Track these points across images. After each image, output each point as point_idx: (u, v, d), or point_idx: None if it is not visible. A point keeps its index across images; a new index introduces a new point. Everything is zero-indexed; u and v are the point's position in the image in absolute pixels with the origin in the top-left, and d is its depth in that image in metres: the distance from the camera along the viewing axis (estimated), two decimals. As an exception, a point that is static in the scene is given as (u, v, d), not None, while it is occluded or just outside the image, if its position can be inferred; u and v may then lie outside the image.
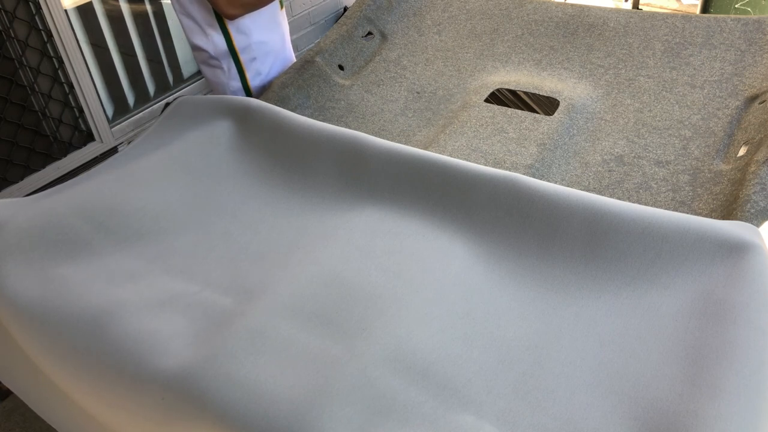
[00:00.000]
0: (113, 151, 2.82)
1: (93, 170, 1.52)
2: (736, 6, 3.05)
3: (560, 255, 1.16)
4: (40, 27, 2.45)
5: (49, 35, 2.48)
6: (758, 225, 1.21)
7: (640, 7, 3.84)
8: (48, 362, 1.13)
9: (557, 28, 1.98)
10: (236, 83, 1.89)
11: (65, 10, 2.51)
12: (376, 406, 0.91)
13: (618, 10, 1.98)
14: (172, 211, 1.37)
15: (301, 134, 1.48)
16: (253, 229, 1.34)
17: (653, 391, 0.92)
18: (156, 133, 1.62)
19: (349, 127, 1.76)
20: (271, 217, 1.37)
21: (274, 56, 1.95)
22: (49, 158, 2.61)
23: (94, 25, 2.78)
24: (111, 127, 2.82)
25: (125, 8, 2.89)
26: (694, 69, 1.72)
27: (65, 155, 2.66)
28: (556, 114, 1.66)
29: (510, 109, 1.71)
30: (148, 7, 2.99)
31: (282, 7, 1.96)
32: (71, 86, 2.61)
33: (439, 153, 1.56)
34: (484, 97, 1.77)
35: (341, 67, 1.99)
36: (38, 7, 2.41)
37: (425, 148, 1.62)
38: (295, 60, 2.07)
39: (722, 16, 1.85)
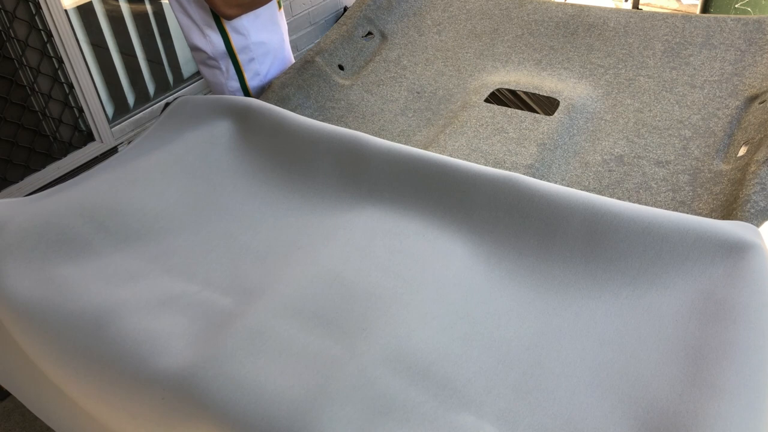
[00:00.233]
0: (113, 151, 2.82)
1: (93, 170, 1.52)
2: (736, 6, 3.05)
3: (560, 255, 1.16)
4: (40, 27, 2.45)
5: (49, 35, 2.48)
6: (758, 225, 1.21)
7: (640, 7, 3.84)
8: (48, 362, 1.13)
9: (557, 28, 1.98)
10: (234, 83, 1.89)
11: (65, 10, 2.51)
12: (376, 406, 0.91)
13: (618, 10, 1.98)
14: (172, 211, 1.37)
15: (301, 134, 1.48)
16: (253, 229, 1.34)
17: (653, 391, 0.92)
18: (156, 133, 1.62)
19: (349, 127, 1.76)
20: (271, 217, 1.37)
21: (272, 57, 1.95)
22: (49, 158, 2.61)
23: (94, 25, 2.78)
24: (111, 127, 2.82)
25: (125, 8, 2.89)
26: (694, 69, 1.72)
27: (65, 155, 2.66)
28: (556, 114, 1.66)
29: (510, 109, 1.71)
30: (148, 7, 2.99)
31: (280, 8, 1.96)
32: (71, 86, 2.61)
33: (439, 153, 1.56)
34: (484, 97, 1.77)
35: (341, 67, 1.99)
36: (38, 7, 2.41)
37: (425, 148, 1.62)
38: (293, 60, 2.07)
39: (722, 16, 1.85)
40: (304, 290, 1.11)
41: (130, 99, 3.00)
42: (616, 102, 1.69)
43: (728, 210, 1.28)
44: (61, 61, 2.54)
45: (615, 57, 1.83)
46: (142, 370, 1.00)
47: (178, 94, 3.13)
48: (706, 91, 1.65)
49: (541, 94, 1.76)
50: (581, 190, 1.34)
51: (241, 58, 1.86)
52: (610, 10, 1.99)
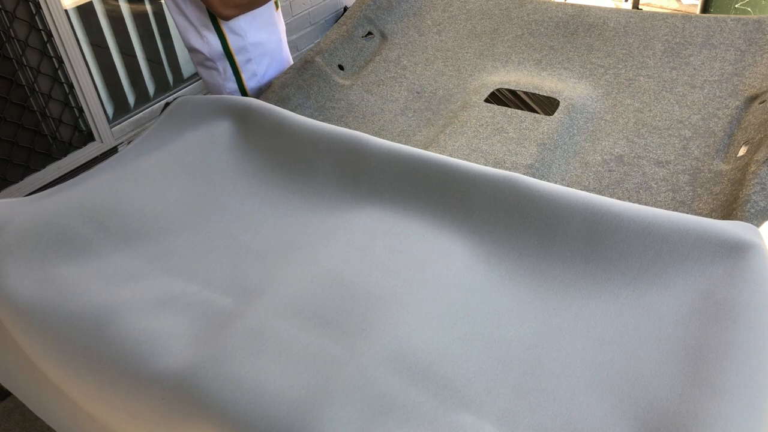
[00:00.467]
0: (113, 151, 2.82)
1: (93, 170, 1.52)
2: (736, 6, 3.05)
3: (560, 255, 1.16)
4: (40, 27, 2.45)
5: (49, 35, 2.48)
6: (758, 225, 1.21)
7: (640, 7, 3.84)
8: (48, 362, 1.13)
9: (557, 28, 1.98)
10: (232, 84, 1.89)
11: (65, 10, 2.51)
12: (376, 406, 0.91)
13: (618, 10, 1.98)
14: (172, 211, 1.37)
15: (301, 134, 1.48)
16: (253, 229, 1.34)
17: (653, 391, 0.92)
18: (156, 133, 1.62)
19: (349, 127, 1.76)
20: (271, 217, 1.37)
21: (270, 57, 1.94)
22: (49, 158, 2.61)
23: (94, 25, 2.78)
24: (111, 127, 2.82)
25: (125, 8, 2.89)
26: (694, 69, 1.72)
27: (65, 155, 2.67)
28: (556, 114, 1.66)
29: (510, 109, 1.71)
30: (148, 7, 2.99)
31: (278, 8, 1.96)
32: (71, 86, 2.61)
33: (439, 153, 1.56)
34: (484, 97, 1.77)
35: (341, 67, 1.99)
36: (38, 7, 2.41)
37: (425, 148, 1.62)
38: (291, 61, 2.07)
39: (722, 16, 1.85)
40: (304, 290, 1.11)
41: (130, 99, 3.00)
42: (616, 102, 1.69)
43: (728, 210, 1.28)
44: (61, 61, 2.54)
45: (615, 57, 1.83)
46: (142, 370, 1.00)
47: (178, 94, 3.13)
48: (706, 91, 1.65)
49: (541, 94, 1.76)
50: (581, 190, 1.34)
51: (238, 59, 1.85)
52: (610, 10, 1.99)
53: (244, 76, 1.89)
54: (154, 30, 3.04)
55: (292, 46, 3.46)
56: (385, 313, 1.05)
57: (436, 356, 1.00)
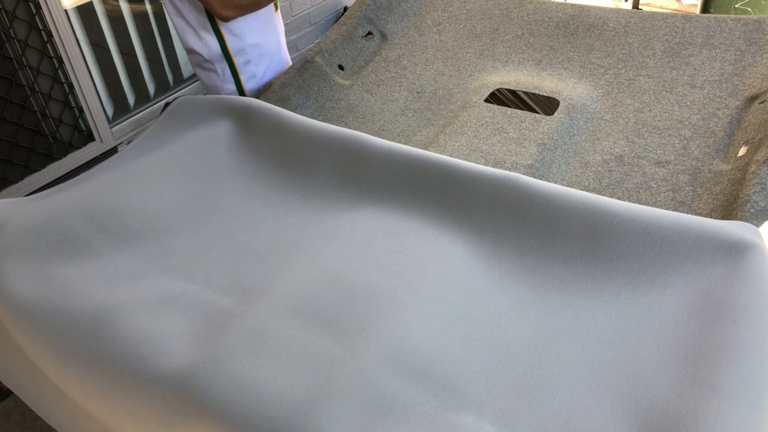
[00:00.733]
0: (113, 151, 2.82)
1: (93, 170, 1.52)
2: (736, 6, 3.05)
3: (560, 255, 1.16)
4: (40, 27, 2.45)
5: (49, 35, 2.48)
6: (758, 225, 1.21)
7: (640, 7, 3.84)
8: (48, 362, 1.13)
9: (557, 28, 1.98)
10: (230, 86, 1.89)
11: (65, 10, 2.51)
12: (376, 406, 0.91)
13: (618, 10, 1.98)
14: (172, 211, 1.37)
15: (301, 134, 1.48)
16: (253, 229, 1.34)
17: (653, 391, 0.92)
18: (156, 133, 1.62)
19: (349, 127, 1.76)
20: (271, 217, 1.37)
21: (268, 59, 1.94)
22: (49, 158, 2.61)
23: (94, 25, 2.78)
24: (111, 127, 2.82)
25: (125, 8, 2.89)
26: (694, 69, 1.72)
27: (65, 155, 2.66)
28: (556, 114, 1.66)
29: (510, 109, 1.71)
30: (148, 7, 2.99)
31: (277, 9, 1.96)
32: (71, 86, 2.61)
33: (439, 153, 1.56)
34: (484, 97, 1.77)
35: (341, 67, 1.99)
36: (38, 7, 2.41)
37: (425, 148, 1.62)
38: (290, 62, 2.07)
39: (722, 16, 1.85)
40: (304, 290, 1.11)
41: (130, 99, 3.00)
42: (616, 102, 1.69)
43: (728, 210, 1.28)
44: (61, 61, 2.54)
45: (615, 57, 1.83)
46: (142, 370, 1.00)
47: (178, 94, 3.13)
48: (706, 91, 1.65)
49: (541, 94, 1.76)
50: (581, 190, 1.34)
51: (237, 60, 1.85)
52: (610, 10, 1.99)
53: (242, 78, 1.89)
54: (154, 30, 3.04)
55: (292, 46, 3.47)
56: (385, 313, 1.05)
57: (436, 356, 1.00)
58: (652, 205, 1.34)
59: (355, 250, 1.19)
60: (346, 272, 1.14)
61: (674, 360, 0.96)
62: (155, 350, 1.02)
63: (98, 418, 1.15)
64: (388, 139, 1.55)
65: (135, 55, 2.99)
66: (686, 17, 1.89)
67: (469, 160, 1.54)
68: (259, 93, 1.93)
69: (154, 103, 3.05)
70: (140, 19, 2.96)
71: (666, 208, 1.35)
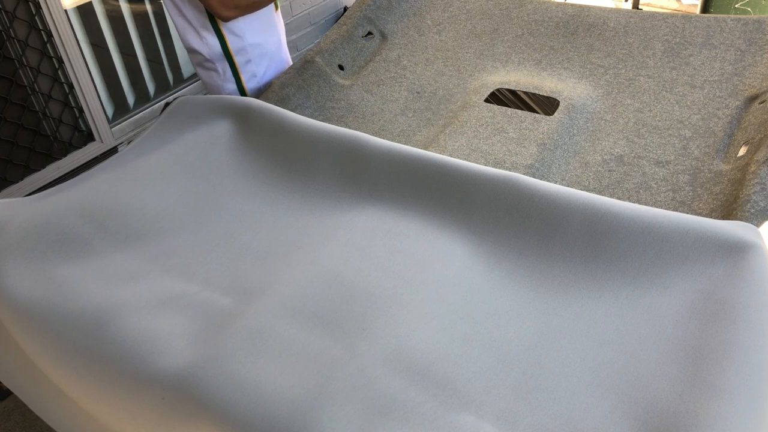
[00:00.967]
0: (113, 151, 2.82)
1: (93, 170, 1.52)
2: (736, 6, 3.05)
3: (560, 255, 1.16)
4: (40, 27, 2.45)
5: (49, 35, 2.48)
6: (758, 225, 1.21)
7: (640, 7, 3.84)
8: (48, 362, 1.13)
9: (557, 28, 1.98)
10: (231, 85, 1.89)
11: (65, 10, 2.51)
12: (376, 406, 0.91)
13: (618, 10, 1.98)
14: (172, 211, 1.37)
15: (301, 134, 1.48)
16: (253, 229, 1.34)
17: (653, 391, 0.92)
18: (156, 133, 1.62)
19: (349, 127, 1.76)
20: (271, 217, 1.37)
21: (269, 58, 1.94)
22: (49, 158, 2.61)
23: (94, 25, 2.78)
24: (111, 127, 2.82)
25: (125, 8, 2.89)
26: (694, 69, 1.72)
27: (65, 155, 2.67)
28: (556, 114, 1.66)
29: (510, 109, 1.71)
30: (148, 7, 2.99)
31: (277, 9, 1.96)
32: (71, 86, 2.61)
33: (439, 153, 1.56)
34: (484, 97, 1.77)
35: (341, 67, 1.99)
36: (38, 7, 2.41)
37: (425, 148, 1.62)
38: (290, 62, 2.07)
39: (722, 16, 1.85)
40: (304, 290, 1.11)
41: (130, 99, 3.00)
42: (616, 102, 1.69)
43: (728, 210, 1.28)
44: (61, 61, 2.54)
45: (615, 57, 1.83)
46: (142, 370, 1.00)
47: (178, 94, 3.13)
48: (706, 91, 1.65)
49: (541, 94, 1.76)
50: (581, 190, 1.34)
51: (237, 59, 1.85)
52: (610, 10, 1.99)
53: (243, 77, 1.89)
54: (154, 30, 3.04)
55: (292, 46, 3.47)
56: (385, 313, 1.05)
57: (436, 356, 1.00)
58: (652, 205, 1.34)
59: (355, 250, 1.19)
60: (346, 272, 1.14)
61: (674, 360, 0.96)
62: (155, 350, 1.02)
63: (98, 418, 1.15)
64: (388, 139, 1.55)
65: (135, 55, 2.99)
66: (686, 17, 1.89)
67: (469, 160, 1.54)
68: (259, 92, 1.93)
69: (154, 103, 3.05)
70: (140, 19, 2.96)
71: (666, 208, 1.35)
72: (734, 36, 1.77)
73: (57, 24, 2.47)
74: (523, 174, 1.42)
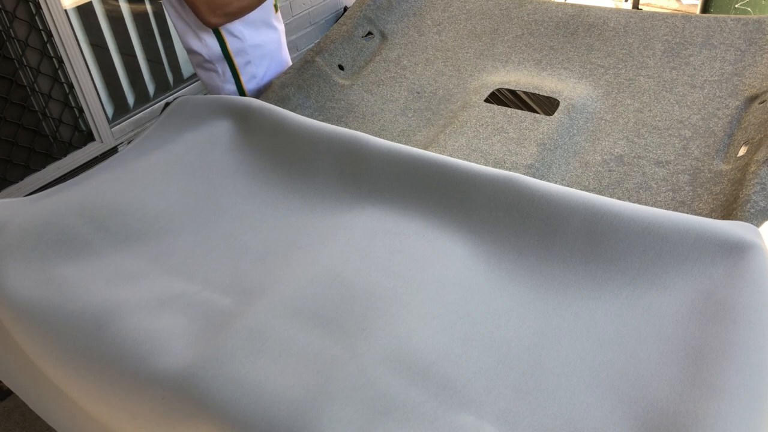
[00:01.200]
0: (113, 151, 2.82)
1: (93, 170, 1.52)
2: (736, 6, 3.05)
3: (560, 255, 1.16)
4: (40, 27, 2.45)
5: (49, 35, 2.48)
6: (758, 225, 1.21)
7: (640, 7, 3.84)
8: (48, 362, 1.13)
9: (557, 28, 1.98)
10: (231, 86, 1.89)
11: (65, 10, 2.51)
12: (376, 406, 0.91)
13: (618, 10, 1.98)
14: (172, 211, 1.37)
15: (301, 134, 1.48)
16: (253, 229, 1.34)
17: (653, 391, 0.92)
18: (156, 133, 1.62)
19: (349, 127, 1.76)
20: (271, 217, 1.37)
21: (269, 59, 1.94)
22: (49, 158, 2.62)
23: (94, 25, 2.78)
24: (111, 127, 2.82)
25: (125, 8, 2.89)
26: (694, 69, 1.72)
27: (65, 155, 2.67)
28: (556, 114, 1.66)
29: (510, 109, 1.71)
30: (148, 7, 2.99)
31: (277, 11, 1.96)
32: (71, 86, 2.61)
33: (439, 153, 1.56)
34: (484, 97, 1.77)
35: (341, 67, 1.99)
36: (38, 7, 2.41)
37: (425, 148, 1.62)
38: (290, 62, 2.07)
39: (722, 16, 1.85)
40: (304, 290, 1.11)
41: (130, 99, 3.00)
42: (616, 102, 1.69)
43: (728, 210, 1.28)
44: (61, 61, 2.54)
45: (615, 57, 1.83)
46: (142, 370, 1.00)
47: (178, 94, 3.13)
48: (706, 91, 1.65)
49: (541, 94, 1.76)
50: (581, 190, 1.34)
51: (237, 61, 1.85)
52: (610, 10, 1.99)
53: (243, 78, 1.89)
54: (154, 30, 3.04)
55: (292, 46, 3.47)
56: (385, 313, 1.05)
57: (436, 356, 1.00)
58: (652, 205, 1.34)
59: (355, 250, 1.19)
60: (346, 272, 1.14)
61: (674, 360, 0.96)
62: (155, 350, 1.02)
63: (98, 418, 1.15)
64: (388, 139, 1.55)
65: (135, 55, 2.99)
66: (686, 17, 1.89)
67: (469, 160, 1.53)
68: (259, 93, 1.93)
69: (154, 103, 3.05)
70: (140, 19, 2.96)
71: (666, 208, 1.35)
72: (734, 36, 1.77)
73: (57, 24, 2.47)
74: (523, 174, 1.42)
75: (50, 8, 2.43)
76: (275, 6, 1.94)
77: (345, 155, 1.41)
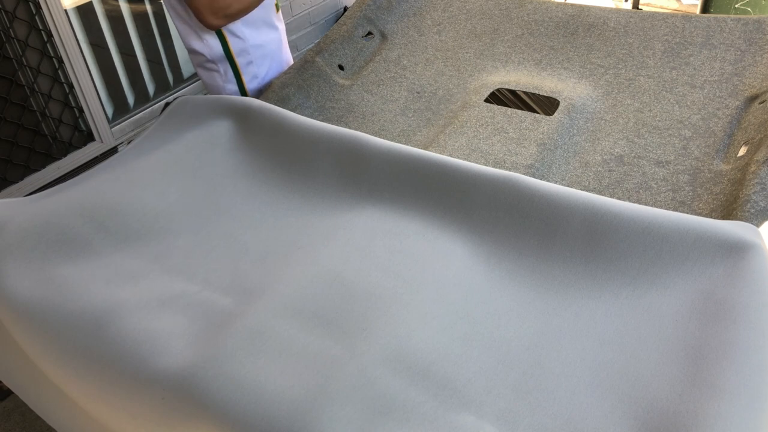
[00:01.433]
0: (113, 151, 2.82)
1: (93, 170, 1.52)
2: (736, 6, 3.05)
3: (560, 255, 1.16)
4: (40, 27, 2.45)
5: (49, 35, 2.48)
6: (758, 225, 1.21)
7: (640, 7, 3.84)
8: (48, 362, 1.13)
9: (557, 28, 1.98)
10: (232, 86, 1.89)
11: (65, 10, 2.51)
12: (376, 406, 0.91)
13: (618, 10, 1.98)
14: (172, 211, 1.37)
15: (301, 134, 1.48)
16: (253, 229, 1.34)
17: (653, 391, 0.92)
18: (156, 133, 1.62)
19: (349, 127, 1.76)
20: (271, 217, 1.37)
21: (270, 59, 1.94)
22: (49, 158, 2.62)
23: (94, 25, 2.78)
24: (111, 127, 2.82)
25: (125, 8, 2.89)
26: (694, 69, 1.72)
27: (65, 155, 2.67)
28: (556, 114, 1.66)
29: (510, 109, 1.71)
30: (148, 7, 2.99)
31: (278, 10, 1.96)
32: (71, 86, 2.61)
33: (439, 153, 1.56)
34: (484, 97, 1.77)
35: (341, 67, 1.99)
36: (38, 7, 2.41)
37: (425, 148, 1.62)
38: (292, 62, 2.07)
39: (722, 16, 1.85)
40: (304, 290, 1.11)
41: (130, 99, 3.00)
42: (616, 102, 1.69)
43: (728, 210, 1.28)
44: (61, 61, 2.54)
45: (615, 57, 1.83)
46: (142, 370, 1.00)
47: (178, 94, 3.13)
48: (706, 91, 1.65)
49: (541, 94, 1.76)
50: (581, 190, 1.34)
51: (239, 61, 1.85)
52: (610, 10, 1.99)
53: (244, 78, 1.89)
54: (154, 30, 3.04)
55: (292, 46, 3.46)
56: (385, 313, 1.05)
57: (436, 356, 1.00)
58: (652, 205, 1.34)
59: (355, 250, 1.19)
60: (346, 272, 1.14)
61: (674, 360, 0.96)
62: (155, 350, 1.02)
63: (98, 418, 1.15)
64: (388, 139, 1.55)
65: (135, 55, 2.99)
66: (686, 17, 1.89)
67: (469, 160, 1.54)
68: (261, 93, 1.93)
69: (154, 103, 3.06)
70: (140, 19, 2.96)
71: (666, 208, 1.35)
72: (734, 36, 1.77)
73: (57, 24, 2.48)
74: (523, 174, 1.42)
75: (50, 8, 2.43)
76: (276, 5, 1.94)
77: (345, 155, 1.41)
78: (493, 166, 1.50)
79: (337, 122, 1.80)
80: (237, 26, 1.80)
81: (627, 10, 1.98)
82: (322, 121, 1.74)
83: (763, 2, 2.98)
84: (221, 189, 1.45)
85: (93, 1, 2.74)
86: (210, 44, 1.80)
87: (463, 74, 1.90)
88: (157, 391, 0.98)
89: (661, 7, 4.07)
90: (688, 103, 1.63)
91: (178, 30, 1.82)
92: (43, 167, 2.59)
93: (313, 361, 0.97)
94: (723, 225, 1.10)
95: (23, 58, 2.43)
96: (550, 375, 0.98)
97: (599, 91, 1.74)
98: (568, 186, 1.39)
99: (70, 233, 1.27)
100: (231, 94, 1.90)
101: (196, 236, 1.33)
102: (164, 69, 3.13)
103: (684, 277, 1.07)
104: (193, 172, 1.47)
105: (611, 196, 1.40)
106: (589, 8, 2.01)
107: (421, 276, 1.13)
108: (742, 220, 1.21)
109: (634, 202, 1.34)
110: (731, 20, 1.82)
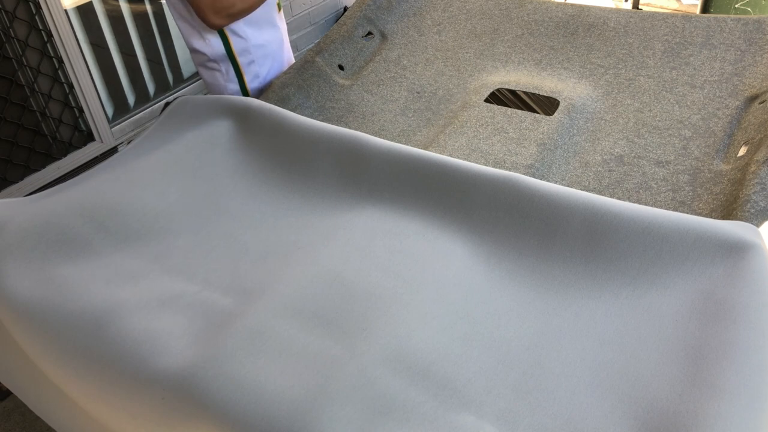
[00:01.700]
0: (113, 151, 2.82)
1: (93, 170, 1.52)
2: (736, 6, 3.05)
3: (560, 255, 1.16)
4: (40, 27, 2.45)
5: (49, 35, 2.48)
6: (758, 225, 1.21)
7: (640, 7, 3.84)
8: (48, 362, 1.13)
9: (557, 28, 1.98)
10: (234, 86, 1.89)
11: (65, 10, 2.51)
12: (376, 406, 0.91)
13: (618, 10, 1.98)
14: (172, 211, 1.37)
15: (301, 134, 1.48)
16: (253, 229, 1.34)
17: (653, 391, 0.92)
18: (156, 133, 1.62)
19: (349, 127, 1.76)
20: (271, 217, 1.37)
21: (272, 59, 1.94)
22: (49, 158, 2.62)
23: (94, 25, 2.78)
24: (111, 127, 2.82)
25: (125, 8, 2.89)
26: (694, 69, 1.72)
27: (65, 155, 2.67)
28: (556, 114, 1.66)
29: (510, 109, 1.71)
30: (148, 7, 2.99)
31: (280, 10, 1.96)
32: (71, 86, 2.61)
33: (439, 153, 1.56)
34: (484, 97, 1.77)
35: (341, 67, 1.99)
36: (38, 7, 2.41)
37: (425, 148, 1.62)
38: (293, 62, 2.07)
39: (722, 16, 1.85)
40: (304, 290, 1.11)
41: (130, 99, 3.00)
42: (616, 102, 1.69)
43: (728, 210, 1.28)
44: (61, 61, 2.54)
45: (615, 57, 1.83)
46: (142, 370, 1.00)
47: (178, 94, 3.13)
48: (706, 91, 1.65)
49: (541, 94, 1.76)
50: (581, 190, 1.34)
51: (240, 60, 1.85)
52: (610, 10, 1.99)
53: (246, 78, 1.89)
54: (154, 30, 3.04)
55: (292, 46, 3.46)
56: (385, 313, 1.05)
57: (436, 356, 1.00)
58: (652, 205, 1.34)
59: (355, 250, 1.19)
60: (346, 272, 1.14)
61: (674, 360, 0.96)
62: (155, 350, 1.02)
63: (98, 418, 1.15)
64: (388, 139, 1.55)
65: (135, 55, 2.99)
66: (686, 17, 1.89)
67: (469, 160, 1.54)
68: (262, 93, 1.94)
69: (154, 103, 3.06)
70: (140, 19, 2.96)
71: (666, 208, 1.35)
72: (734, 36, 1.77)
73: (57, 24, 2.48)
74: (523, 174, 1.42)
75: (50, 8, 2.43)
76: (278, 5, 1.94)
77: (345, 155, 1.41)
78: (493, 166, 1.50)
79: (337, 122, 1.80)
80: (239, 26, 1.80)
81: (627, 10, 1.98)
82: (322, 121, 1.74)
83: (763, 2, 2.98)
84: (221, 189, 1.45)
85: (93, 1, 2.74)
86: (212, 44, 1.80)
87: (463, 74, 1.90)
88: (157, 391, 0.98)
89: (661, 7, 4.07)
90: (688, 103, 1.63)
91: (179, 29, 1.83)
92: (43, 167, 2.59)
93: (313, 361, 0.97)
94: (723, 225, 1.10)
95: (23, 58, 2.43)
96: (550, 375, 0.98)
97: (599, 91, 1.74)
98: (568, 186, 1.39)
99: (70, 233, 1.27)
100: (232, 94, 1.90)
101: (196, 236, 1.33)
102: (164, 69, 3.13)
103: (684, 277, 1.07)
104: (193, 172, 1.47)
105: (611, 196, 1.40)
106: (589, 8, 2.01)
107: (421, 276, 1.13)
108: (742, 220, 1.21)
109: (634, 202, 1.34)
110: (731, 20, 1.82)
